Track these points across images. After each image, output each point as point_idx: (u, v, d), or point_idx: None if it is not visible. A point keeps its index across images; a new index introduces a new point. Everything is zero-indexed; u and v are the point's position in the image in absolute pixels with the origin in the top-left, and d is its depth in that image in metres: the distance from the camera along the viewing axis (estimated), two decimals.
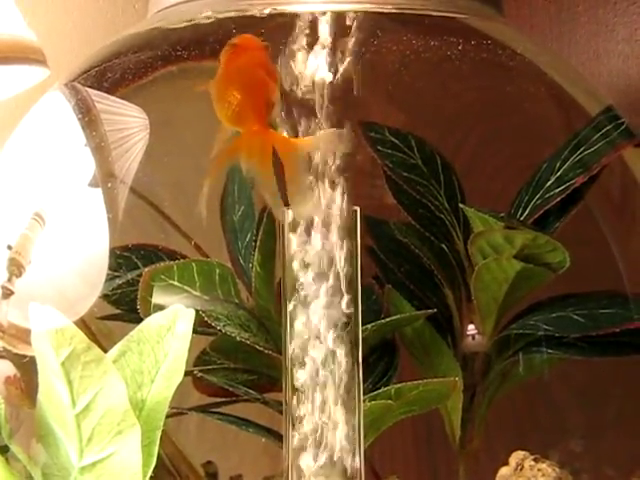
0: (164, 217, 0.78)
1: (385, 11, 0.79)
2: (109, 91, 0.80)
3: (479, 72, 0.82)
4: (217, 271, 0.75)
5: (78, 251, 0.77)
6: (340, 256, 0.67)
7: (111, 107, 0.79)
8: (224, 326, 0.73)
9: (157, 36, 0.83)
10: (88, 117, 0.78)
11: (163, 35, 0.82)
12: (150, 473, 0.64)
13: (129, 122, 0.78)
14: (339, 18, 0.74)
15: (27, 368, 0.69)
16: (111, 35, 0.87)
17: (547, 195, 0.78)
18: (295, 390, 0.66)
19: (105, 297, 0.76)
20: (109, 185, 0.77)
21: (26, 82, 0.89)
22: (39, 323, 0.64)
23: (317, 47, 0.71)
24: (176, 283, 0.74)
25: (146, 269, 0.75)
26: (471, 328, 0.79)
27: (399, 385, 0.72)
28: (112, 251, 0.76)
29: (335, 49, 0.72)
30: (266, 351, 0.74)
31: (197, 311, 0.66)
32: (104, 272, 0.76)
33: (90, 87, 0.80)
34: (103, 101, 0.79)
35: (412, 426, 0.78)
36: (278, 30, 0.75)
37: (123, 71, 0.81)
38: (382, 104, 0.81)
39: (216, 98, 0.63)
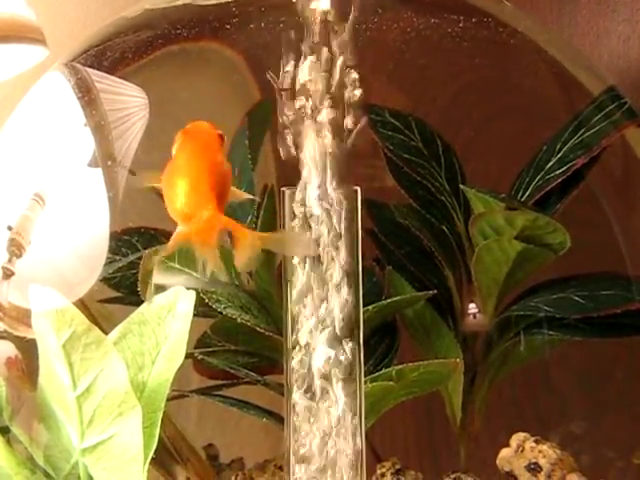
0: (161, 197, 0.78)
1: None
2: (109, 71, 0.80)
3: (480, 50, 0.82)
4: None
5: (78, 232, 0.77)
6: (341, 237, 0.67)
7: (111, 87, 0.79)
8: (225, 308, 0.73)
9: (157, 16, 0.82)
10: (88, 97, 0.78)
11: (163, 14, 0.82)
12: (151, 455, 0.65)
13: (129, 102, 0.78)
14: None
15: (28, 350, 0.69)
16: (111, 15, 0.86)
17: (548, 176, 0.78)
18: (296, 372, 0.66)
19: (106, 280, 0.76)
20: (109, 165, 0.77)
21: (25, 62, 0.89)
22: (39, 305, 0.64)
23: (318, 25, 0.71)
24: (176, 265, 0.74)
25: (146, 251, 0.74)
26: (472, 307, 0.79)
27: (400, 367, 0.72)
28: (112, 234, 0.76)
29: (335, 27, 0.71)
30: (267, 333, 0.74)
31: (198, 293, 0.66)
32: (104, 254, 0.76)
33: (90, 67, 0.80)
34: (103, 81, 0.79)
35: (413, 408, 0.78)
36: (278, 8, 0.74)
37: (123, 51, 0.81)
38: (383, 82, 0.81)
39: (165, 192, 0.61)
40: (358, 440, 0.66)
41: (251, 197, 0.71)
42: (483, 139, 0.82)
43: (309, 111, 0.66)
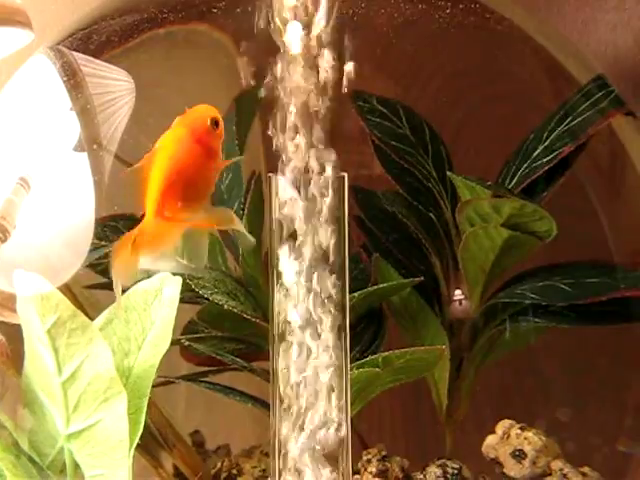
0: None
1: None
2: (95, 54, 0.79)
3: (467, 37, 0.82)
4: None
5: (64, 217, 0.76)
6: (327, 223, 0.67)
7: (97, 70, 0.78)
8: (211, 294, 0.73)
9: None
10: (73, 80, 0.77)
11: None
12: (137, 441, 0.64)
13: (115, 85, 0.77)
14: None
15: (13, 335, 0.69)
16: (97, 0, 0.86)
17: (535, 164, 0.78)
18: (282, 358, 0.66)
19: (92, 266, 0.76)
20: (94, 149, 0.76)
21: (10, 46, 0.88)
22: (24, 290, 0.64)
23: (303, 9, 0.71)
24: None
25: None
26: (458, 293, 0.79)
27: (386, 353, 0.72)
28: (99, 220, 0.76)
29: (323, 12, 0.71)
30: (253, 319, 0.74)
31: (184, 279, 0.66)
32: (89, 239, 0.76)
33: (76, 50, 0.79)
34: (89, 64, 0.78)
35: (399, 395, 0.78)
36: None
37: (109, 34, 0.80)
38: (370, 69, 0.81)
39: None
40: (344, 426, 0.66)
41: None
42: (470, 126, 0.82)
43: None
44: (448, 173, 0.78)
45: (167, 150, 0.61)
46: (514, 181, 0.78)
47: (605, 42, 1.02)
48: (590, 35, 1.02)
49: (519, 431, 0.76)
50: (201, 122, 0.61)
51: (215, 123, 0.61)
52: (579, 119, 0.79)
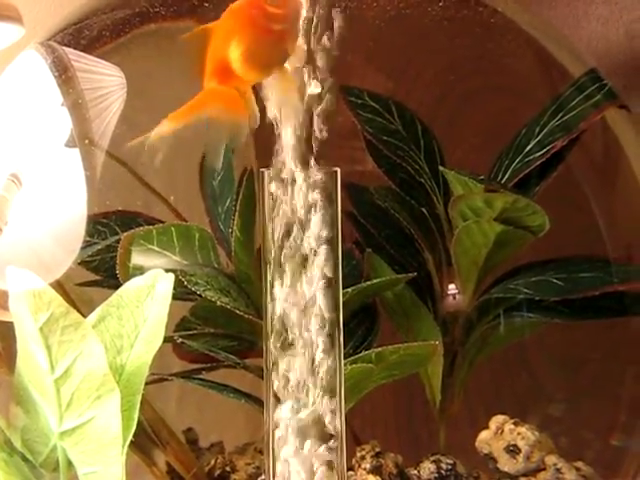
0: (138, 178, 0.78)
1: None
2: (86, 49, 0.79)
3: (460, 29, 0.81)
4: (196, 235, 0.75)
5: (56, 213, 0.76)
6: (320, 219, 0.66)
7: (88, 65, 0.78)
8: (204, 291, 0.73)
9: None
10: (65, 75, 0.77)
11: None
12: (130, 438, 0.64)
13: (106, 81, 0.77)
14: None
15: (6, 332, 0.68)
16: None
17: (528, 158, 0.78)
18: (275, 354, 0.66)
19: (84, 263, 0.76)
20: (86, 144, 0.76)
21: (1, 41, 0.88)
22: (16, 287, 0.64)
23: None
24: (155, 247, 0.74)
25: (125, 234, 0.74)
26: (451, 287, 0.79)
27: (380, 349, 0.72)
28: (91, 217, 0.76)
29: (314, 4, 0.71)
30: (246, 316, 0.74)
31: (176, 275, 0.66)
32: (82, 235, 0.76)
33: (67, 45, 0.79)
34: (80, 59, 0.78)
35: (393, 391, 0.78)
36: None
37: (100, 29, 0.80)
38: (361, 61, 0.81)
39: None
40: (338, 422, 0.66)
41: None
42: (463, 120, 0.82)
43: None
44: (440, 168, 0.78)
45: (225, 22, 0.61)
46: (507, 175, 0.78)
47: (597, 36, 1.02)
48: (582, 29, 1.02)
49: (512, 426, 0.76)
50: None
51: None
52: (572, 113, 0.79)
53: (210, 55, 0.60)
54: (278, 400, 0.64)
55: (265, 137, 0.66)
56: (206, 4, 0.77)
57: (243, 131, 0.61)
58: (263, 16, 0.60)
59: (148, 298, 0.65)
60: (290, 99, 0.63)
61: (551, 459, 0.76)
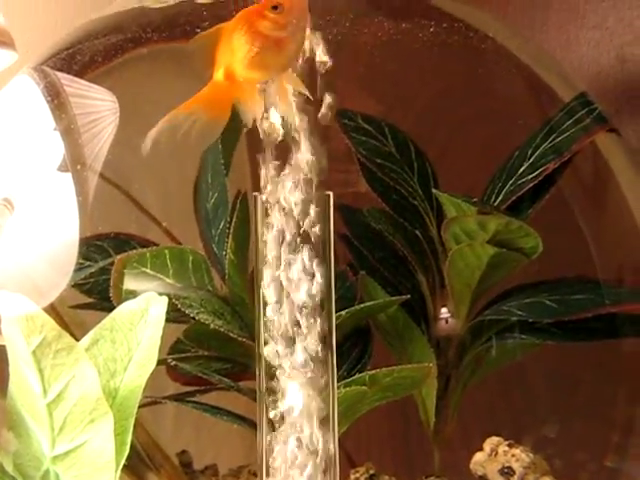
0: (133, 201, 0.78)
1: None
2: (78, 74, 0.79)
3: (450, 55, 0.82)
4: (190, 258, 0.75)
5: (49, 237, 0.76)
6: (313, 241, 0.67)
7: (80, 90, 0.78)
8: (197, 313, 0.73)
9: (127, 19, 0.82)
10: (57, 100, 0.77)
11: (133, 17, 0.82)
12: (123, 462, 0.64)
13: (99, 105, 0.77)
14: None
15: None
16: (81, 19, 0.86)
17: (520, 181, 0.78)
18: (268, 378, 0.66)
19: (78, 286, 0.76)
20: (78, 168, 0.76)
21: None
22: (9, 311, 0.63)
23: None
24: (149, 270, 0.73)
25: (118, 257, 0.74)
26: (444, 311, 0.79)
27: (373, 372, 0.72)
28: (85, 240, 0.76)
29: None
30: (240, 339, 0.74)
31: (170, 298, 0.66)
32: (74, 258, 0.75)
33: (59, 70, 0.79)
34: (72, 84, 0.78)
35: (388, 412, 0.78)
36: None
37: (92, 54, 0.80)
38: (353, 87, 0.81)
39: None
40: (331, 445, 0.66)
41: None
42: (455, 144, 0.82)
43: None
44: (433, 190, 0.78)
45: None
46: (500, 198, 0.78)
47: (588, 59, 1.03)
48: (573, 53, 1.03)
49: (507, 448, 0.76)
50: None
51: (274, 7, 0.62)
52: (563, 136, 0.79)
53: (218, 54, 0.63)
54: (272, 426, 0.64)
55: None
56: (198, 29, 0.77)
57: (214, 131, 0.64)
58: (266, 23, 0.62)
59: (141, 321, 0.65)
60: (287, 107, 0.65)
61: None
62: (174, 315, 0.72)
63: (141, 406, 0.64)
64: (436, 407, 0.78)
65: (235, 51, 0.63)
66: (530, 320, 0.77)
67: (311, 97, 0.66)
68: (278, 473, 0.65)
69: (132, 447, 0.64)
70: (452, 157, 0.82)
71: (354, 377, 0.72)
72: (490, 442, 0.77)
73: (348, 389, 0.71)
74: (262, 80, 0.64)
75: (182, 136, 0.62)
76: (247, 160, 0.77)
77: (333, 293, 0.66)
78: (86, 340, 0.65)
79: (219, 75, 0.63)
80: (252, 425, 0.71)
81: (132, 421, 0.64)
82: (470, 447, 0.78)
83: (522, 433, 0.78)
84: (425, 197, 0.79)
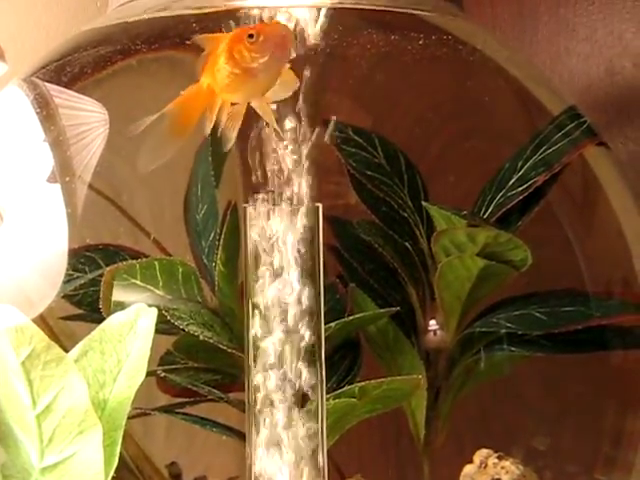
0: (122, 212, 0.78)
1: (346, 7, 0.79)
2: (68, 85, 0.79)
3: (439, 67, 0.82)
4: (180, 270, 0.74)
5: (38, 248, 0.76)
6: (302, 255, 0.67)
7: (70, 101, 0.78)
8: (187, 325, 0.73)
9: (116, 30, 0.82)
10: (46, 111, 0.77)
11: (122, 29, 0.82)
12: (112, 473, 0.64)
13: (88, 117, 0.77)
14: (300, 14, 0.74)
15: None
16: (71, 31, 0.86)
17: (509, 194, 0.78)
18: (258, 389, 0.66)
19: (67, 297, 0.75)
20: (67, 180, 0.76)
21: None
22: None
23: None
24: (138, 282, 0.73)
25: (108, 268, 0.74)
26: (433, 323, 0.79)
27: (363, 383, 0.71)
28: (74, 251, 0.75)
29: (295, 44, 0.72)
30: (229, 350, 0.73)
31: (160, 310, 0.66)
32: (64, 270, 0.75)
33: (49, 82, 0.79)
34: (61, 95, 0.78)
35: (377, 425, 0.78)
36: (242, 23, 0.74)
37: (82, 65, 0.80)
38: (343, 99, 0.81)
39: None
40: (320, 457, 0.65)
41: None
42: (445, 156, 0.82)
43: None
44: (423, 203, 0.78)
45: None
46: (489, 210, 0.79)
47: (577, 72, 1.03)
48: (562, 66, 1.03)
49: (496, 460, 0.76)
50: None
51: (250, 35, 0.62)
52: (552, 149, 0.79)
53: (208, 64, 0.64)
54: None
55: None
56: (187, 41, 0.77)
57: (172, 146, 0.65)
58: (241, 49, 0.63)
59: (131, 333, 0.65)
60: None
61: None
62: (164, 327, 0.72)
63: (130, 418, 0.64)
64: (426, 419, 0.78)
65: (216, 69, 0.63)
66: (519, 332, 0.77)
67: (280, 132, 0.67)
68: None
69: (121, 459, 0.63)
70: (442, 169, 0.82)
71: (343, 389, 0.71)
72: (480, 454, 0.77)
73: (337, 401, 0.70)
74: (237, 102, 0.64)
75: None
76: (238, 171, 0.77)
77: (322, 305, 0.66)
78: (75, 351, 0.65)
79: (203, 84, 0.64)
80: (241, 437, 0.71)
81: (121, 433, 0.64)
82: (460, 459, 0.78)
83: (512, 445, 0.78)
84: (415, 209, 0.79)
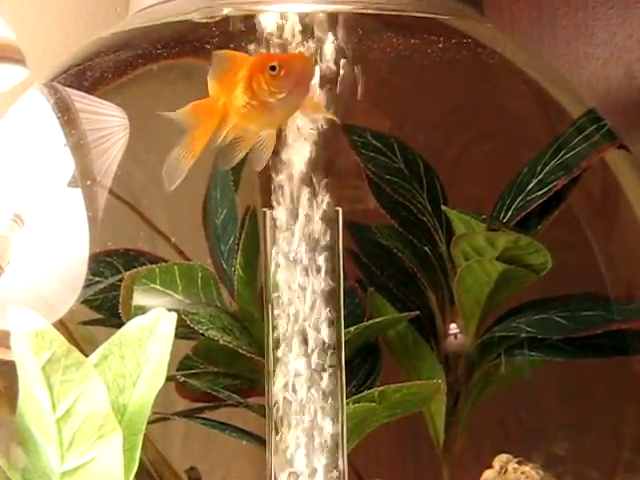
0: (142, 217, 0.78)
1: (366, 11, 0.79)
2: (88, 90, 0.79)
3: (459, 70, 0.82)
4: (199, 274, 0.75)
5: (58, 253, 0.76)
6: (322, 258, 0.67)
7: (90, 106, 0.79)
8: (206, 330, 0.73)
9: (137, 35, 0.82)
10: (67, 116, 0.78)
11: (143, 34, 0.82)
12: (132, 478, 0.64)
13: (109, 121, 0.77)
14: (319, 19, 0.74)
15: (7, 372, 0.68)
16: (91, 35, 0.86)
17: (529, 198, 0.78)
18: (278, 394, 0.66)
19: (87, 302, 0.76)
20: (88, 184, 0.76)
21: (5, 82, 0.88)
22: (18, 326, 0.63)
23: (297, 47, 0.71)
24: (158, 286, 0.74)
25: (127, 273, 0.74)
26: (453, 327, 0.79)
27: (382, 388, 0.71)
28: (94, 256, 0.76)
29: (316, 49, 0.72)
30: (249, 355, 0.74)
31: (179, 314, 0.66)
32: (84, 275, 0.76)
33: (69, 86, 0.79)
34: (82, 100, 0.78)
35: (396, 429, 0.78)
36: (255, 31, 0.74)
37: (103, 70, 0.81)
38: (363, 103, 0.81)
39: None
40: (340, 461, 0.65)
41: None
42: (465, 160, 0.82)
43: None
44: (443, 207, 0.78)
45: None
46: (509, 214, 0.78)
47: (597, 76, 1.03)
48: (582, 69, 1.03)
49: (516, 465, 0.76)
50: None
51: (272, 68, 0.61)
52: (572, 152, 0.79)
53: (227, 81, 0.63)
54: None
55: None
56: (207, 45, 0.77)
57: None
58: (261, 80, 0.62)
59: (151, 337, 0.65)
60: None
61: None
62: (183, 331, 0.72)
63: (150, 422, 0.64)
64: (445, 424, 0.78)
65: (234, 96, 0.62)
66: (539, 336, 0.77)
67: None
68: None
69: (141, 463, 0.63)
70: (461, 173, 0.82)
71: (363, 393, 0.72)
72: (499, 459, 0.77)
73: (357, 405, 0.70)
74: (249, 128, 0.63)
75: None
76: (256, 176, 0.77)
77: (342, 309, 0.66)
78: (95, 356, 0.65)
79: (218, 101, 0.63)
80: (260, 442, 0.71)
81: (141, 437, 0.64)
82: (479, 464, 0.77)
83: (532, 450, 0.78)
84: (434, 213, 0.78)
